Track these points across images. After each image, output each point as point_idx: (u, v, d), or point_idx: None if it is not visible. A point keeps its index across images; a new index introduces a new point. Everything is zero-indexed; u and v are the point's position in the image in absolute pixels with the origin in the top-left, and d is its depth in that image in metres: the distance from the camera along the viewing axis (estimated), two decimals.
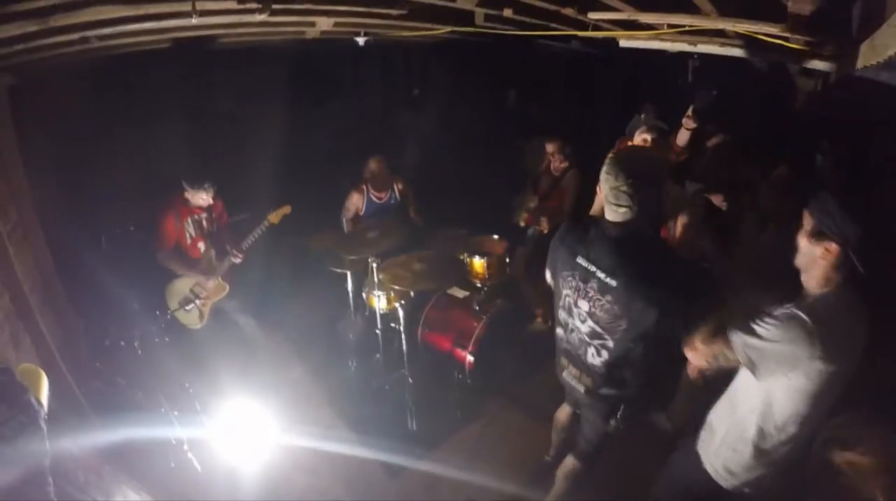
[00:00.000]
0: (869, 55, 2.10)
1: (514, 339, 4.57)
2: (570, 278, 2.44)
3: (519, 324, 4.79)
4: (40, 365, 2.69)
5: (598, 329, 2.39)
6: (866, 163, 3.84)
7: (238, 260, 4.31)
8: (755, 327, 1.93)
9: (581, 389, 2.60)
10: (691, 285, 2.21)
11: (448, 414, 4.14)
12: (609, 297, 2.29)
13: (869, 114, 3.46)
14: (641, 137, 3.82)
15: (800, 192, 2.26)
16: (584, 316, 2.43)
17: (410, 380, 4.11)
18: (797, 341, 1.84)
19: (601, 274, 2.29)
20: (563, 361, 2.68)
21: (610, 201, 2.23)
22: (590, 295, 2.37)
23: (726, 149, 4.26)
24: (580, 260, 2.38)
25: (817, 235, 1.90)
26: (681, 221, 3.25)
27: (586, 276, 2.36)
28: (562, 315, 2.58)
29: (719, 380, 2.35)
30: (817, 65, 3.02)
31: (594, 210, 2.54)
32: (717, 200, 3.58)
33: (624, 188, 2.16)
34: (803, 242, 1.96)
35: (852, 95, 3.34)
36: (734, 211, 3.53)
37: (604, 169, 2.24)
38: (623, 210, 2.20)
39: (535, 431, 3.75)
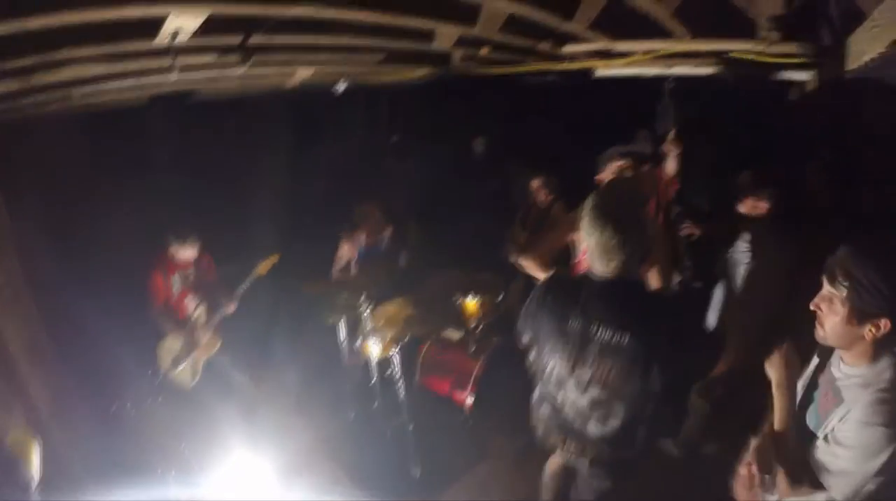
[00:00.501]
0: (848, 61, 2.15)
1: (514, 374, 4.49)
2: (561, 346, 2.17)
3: (517, 358, 4.70)
4: (31, 429, 2.60)
5: (604, 396, 2.13)
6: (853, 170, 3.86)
7: (231, 310, 4.26)
8: (827, 448, 1.67)
9: (585, 462, 2.32)
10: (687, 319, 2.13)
11: (452, 458, 4.04)
12: (621, 358, 2.04)
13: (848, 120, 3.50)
14: (615, 166, 3.80)
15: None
16: (585, 385, 2.16)
17: (411, 427, 4.03)
18: (879, 440, 1.55)
19: (607, 334, 2.05)
20: (557, 438, 2.36)
21: (598, 256, 2.03)
22: (591, 360, 2.10)
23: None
24: (574, 323, 2.11)
25: (860, 316, 1.58)
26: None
27: (585, 341, 2.10)
28: (549, 389, 2.30)
29: (730, 404, 2.31)
30: (792, 75, 3.08)
31: (580, 265, 2.42)
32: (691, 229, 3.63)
33: (614, 241, 1.97)
34: (839, 326, 1.63)
35: (830, 101, 3.39)
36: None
37: (585, 221, 2.04)
38: (614, 264, 2.01)
39: (542, 469, 3.66)
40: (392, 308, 4.17)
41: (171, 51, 2.43)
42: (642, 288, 2.14)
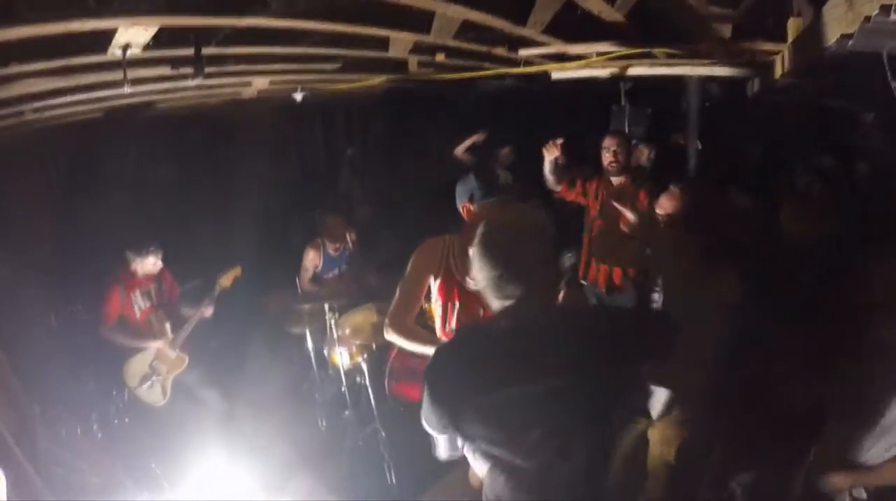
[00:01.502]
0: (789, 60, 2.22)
1: None
2: (495, 433, 1.64)
3: None
4: None
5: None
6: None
7: (209, 314, 4.24)
8: None
9: None
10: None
11: (426, 463, 4.03)
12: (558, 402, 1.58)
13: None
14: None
15: None
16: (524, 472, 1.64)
17: (383, 434, 4.03)
18: None
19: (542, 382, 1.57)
20: None
21: (491, 294, 1.68)
22: (532, 439, 1.61)
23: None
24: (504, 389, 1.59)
25: None
26: None
27: (521, 406, 1.59)
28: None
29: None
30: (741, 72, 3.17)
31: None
32: None
33: (505, 277, 1.63)
34: None
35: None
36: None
37: (474, 253, 1.70)
38: (509, 302, 1.66)
39: None
40: (358, 316, 4.17)
41: (122, 64, 2.40)
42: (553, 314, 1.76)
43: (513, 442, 1.62)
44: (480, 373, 1.62)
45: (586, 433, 1.62)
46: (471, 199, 2.59)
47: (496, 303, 1.68)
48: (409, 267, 2.69)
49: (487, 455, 1.67)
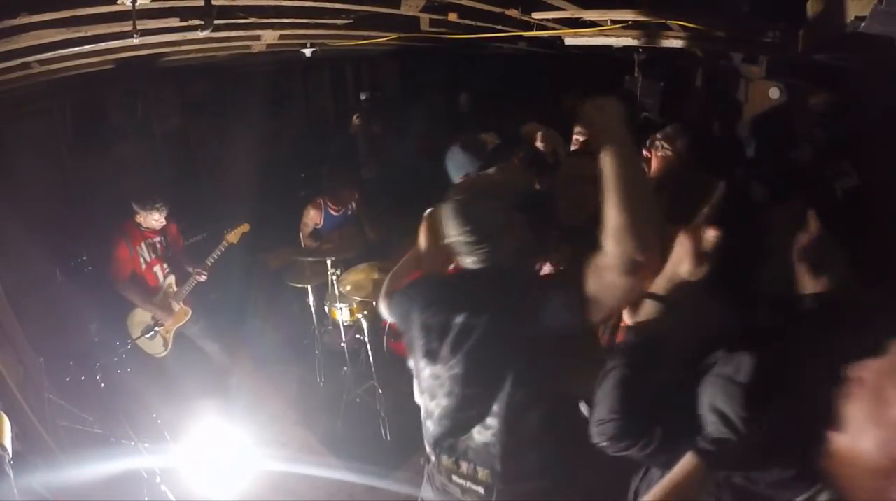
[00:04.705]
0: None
1: None
2: (425, 345, 1.90)
3: None
4: (1, 407, 2.58)
5: (473, 392, 1.81)
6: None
7: (203, 278, 4.23)
8: None
9: (481, 490, 1.87)
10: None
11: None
12: (475, 340, 1.77)
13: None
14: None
15: None
16: (450, 384, 1.85)
17: (380, 390, 4.10)
18: None
19: (460, 317, 1.80)
20: (447, 461, 1.94)
21: (457, 252, 1.90)
22: (446, 353, 1.83)
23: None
24: (433, 313, 1.88)
25: None
26: None
27: (444, 332, 1.84)
28: (426, 401, 1.99)
29: None
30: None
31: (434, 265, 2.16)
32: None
33: (469, 240, 1.83)
34: None
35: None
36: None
37: (445, 215, 1.90)
38: (470, 260, 1.87)
39: None
40: (359, 273, 4.19)
41: (132, 14, 2.37)
42: (515, 277, 1.87)
43: (432, 381, 1.90)
44: (427, 298, 1.93)
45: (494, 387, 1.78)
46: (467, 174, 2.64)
47: (465, 260, 1.89)
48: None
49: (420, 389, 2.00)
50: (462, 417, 1.85)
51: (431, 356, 1.87)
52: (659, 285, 1.54)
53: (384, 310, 2.16)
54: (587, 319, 1.59)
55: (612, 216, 1.47)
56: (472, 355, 1.77)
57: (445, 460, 1.94)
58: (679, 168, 3.14)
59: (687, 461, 1.36)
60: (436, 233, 2.11)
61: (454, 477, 1.93)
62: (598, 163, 1.52)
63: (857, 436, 0.86)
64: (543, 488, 1.84)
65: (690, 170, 3.10)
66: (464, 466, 1.90)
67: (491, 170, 2.70)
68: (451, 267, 2.14)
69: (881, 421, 0.82)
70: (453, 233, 1.86)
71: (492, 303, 1.77)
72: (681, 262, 1.49)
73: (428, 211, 2.19)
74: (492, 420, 1.79)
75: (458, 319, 1.79)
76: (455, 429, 1.88)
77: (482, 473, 1.86)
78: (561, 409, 1.83)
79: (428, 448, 2.01)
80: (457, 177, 2.69)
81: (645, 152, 3.48)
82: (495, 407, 1.77)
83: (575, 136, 3.87)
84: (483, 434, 1.82)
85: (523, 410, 1.77)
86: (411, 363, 2.02)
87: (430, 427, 1.96)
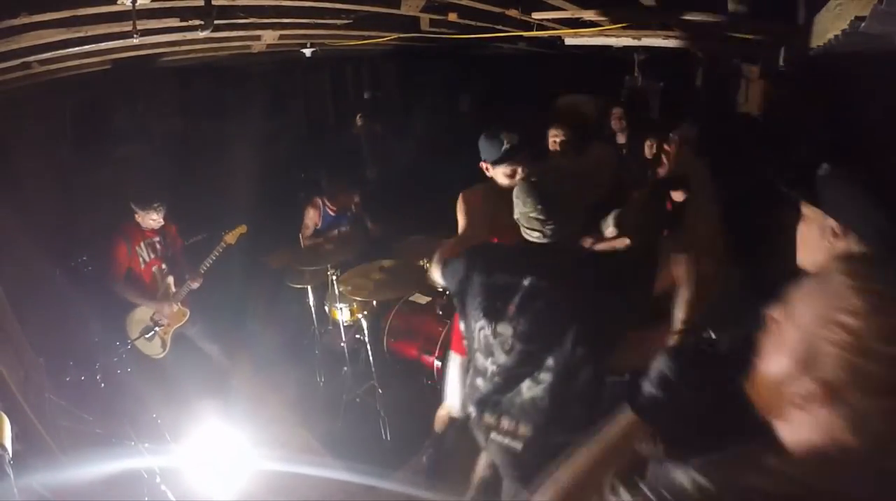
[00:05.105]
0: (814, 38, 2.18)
1: None
2: (486, 304, 2.08)
3: None
4: (2, 407, 2.58)
5: (532, 348, 2.00)
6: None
7: (196, 285, 4.22)
8: None
9: (518, 447, 2.08)
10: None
11: (421, 422, 4.10)
12: (545, 303, 1.96)
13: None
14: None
15: None
16: (510, 340, 2.03)
17: (380, 391, 4.09)
18: None
19: (531, 282, 1.99)
20: (489, 418, 2.13)
21: (523, 225, 2.05)
22: (516, 311, 2.00)
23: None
24: (500, 277, 2.07)
25: None
26: None
27: (511, 293, 2.02)
28: (479, 360, 2.16)
29: None
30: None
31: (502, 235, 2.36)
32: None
33: (534, 214, 1.98)
34: None
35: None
36: None
37: (516, 191, 2.07)
38: (536, 234, 2.02)
39: None
40: (359, 273, 4.19)
41: (132, 14, 2.37)
42: (573, 251, 2.16)
43: (490, 338, 2.07)
44: (488, 267, 2.10)
45: (552, 344, 1.96)
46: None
47: (531, 234, 2.03)
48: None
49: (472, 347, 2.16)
50: (517, 373, 2.03)
51: (495, 314, 2.04)
52: None
53: (436, 276, 2.35)
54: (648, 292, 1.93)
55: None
56: (539, 314, 1.95)
57: (488, 417, 2.14)
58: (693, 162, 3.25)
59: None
60: (479, 210, 2.56)
61: (493, 435, 2.13)
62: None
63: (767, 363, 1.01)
64: (572, 442, 1.87)
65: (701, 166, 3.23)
66: (505, 422, 2.09)
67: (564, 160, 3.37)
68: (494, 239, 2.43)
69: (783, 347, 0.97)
70: (526, 209, 1.99)
71: (558, 270, 1.97)
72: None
73: (465, 191, 2.51)
74: (545, 375, 1.98)
75: (527, 281, 1.98)
76: (507, 384, 2.07)
77: (523, 428, 2.06)
78: (605, 370, 1.99)
79: (471, 407, 2.19)
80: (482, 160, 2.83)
81: (647, 149, 3.56)
82: (550, 361, 1.96)
83: (552, 139, 3.92)
84: (533, 389, 2.02)
85: (577, 366, 1.94)
86: (461, 325, 2.20)
87: (481, 384, 2.15)
